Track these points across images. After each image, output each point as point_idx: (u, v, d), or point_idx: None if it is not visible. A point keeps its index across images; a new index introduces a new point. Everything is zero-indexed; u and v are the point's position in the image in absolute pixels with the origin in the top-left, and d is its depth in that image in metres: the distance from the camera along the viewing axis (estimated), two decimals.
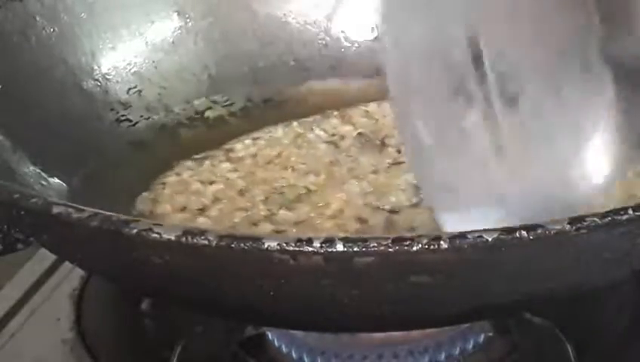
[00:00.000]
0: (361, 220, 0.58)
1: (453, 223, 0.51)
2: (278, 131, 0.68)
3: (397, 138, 0.66)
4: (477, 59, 0.50)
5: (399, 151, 0.64)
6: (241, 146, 0.67)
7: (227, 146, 0.67)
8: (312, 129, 0.68)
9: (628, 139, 0.52)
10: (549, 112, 0.51)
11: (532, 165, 0.51)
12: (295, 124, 0.69)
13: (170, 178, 0.64)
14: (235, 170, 0.64)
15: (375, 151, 0.65)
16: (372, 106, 0.70)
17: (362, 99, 0.72)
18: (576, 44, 0.51)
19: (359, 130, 0.67)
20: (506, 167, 0.51)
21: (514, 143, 0.51)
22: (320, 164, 0.64)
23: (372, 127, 0.68)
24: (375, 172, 0.62)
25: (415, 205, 0.59)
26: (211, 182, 0.62)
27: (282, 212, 0.58)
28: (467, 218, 0.50)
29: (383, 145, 0.65)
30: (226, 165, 0.64)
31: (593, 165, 0.53)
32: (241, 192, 0.61)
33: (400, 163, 0.63)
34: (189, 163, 0.65)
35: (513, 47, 0.50)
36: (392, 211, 0.59)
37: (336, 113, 0.70)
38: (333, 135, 0.67)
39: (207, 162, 0.65)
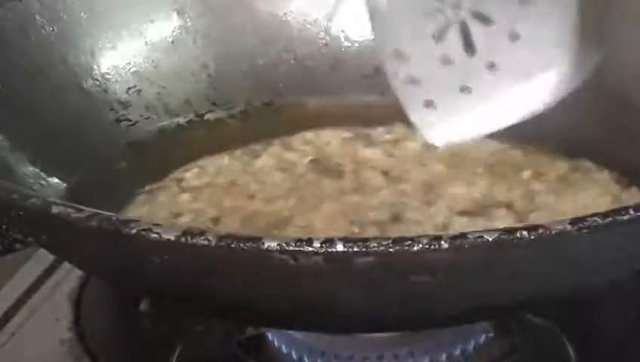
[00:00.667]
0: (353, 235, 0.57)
1: (420, 116, 0.56)
2: (224, 159, 0.66)
3: (349, 163, 0.65)
4: None
5: (357, 177, 0.64)
6: (191, 175, 0.65)
7: (175, 176, 0.65)
8: (256, 157, 0.67)
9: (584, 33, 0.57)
10: (514, 19, 0.56)
11: (498, 63, 0.56)
12: (238, 152, 0.67)
13: (134, 211, 0.61)
14: (196, 200, 0.62)
15: (333, 177, 0.64)
16: (309, 135, 0.69)
17: (362, 103, 0.72)
18: None
19: (311, 157, 0.66)
20: (473, 64, 0.56)
21: (482, 46, 0.56)
22: (282, 191, 0.62)
23: (318, 153, 0.67)
24: (343, 194, 0.61)
25: (398, 218, 0.58)
26: (177, 215, 0.60)
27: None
28: (436, 112, 0.56)
29: (338, 171, 0.64)
30: (185, 196, 0.62)
31: (556, 60, 0.57)
32: (215, 221, 0.59)
33: (364, 185, 0.62)
34: (143, 196, 0.62)
35: None
36: (380, 225, 0.58)
37: (276, 141, 0.68)
38: (280, 162, 0.66)
39: (162, 193, 0.62)
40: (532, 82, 0.57)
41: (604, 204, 0.59)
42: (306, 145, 0.68)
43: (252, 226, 0.58)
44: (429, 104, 0.56)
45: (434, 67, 0.56)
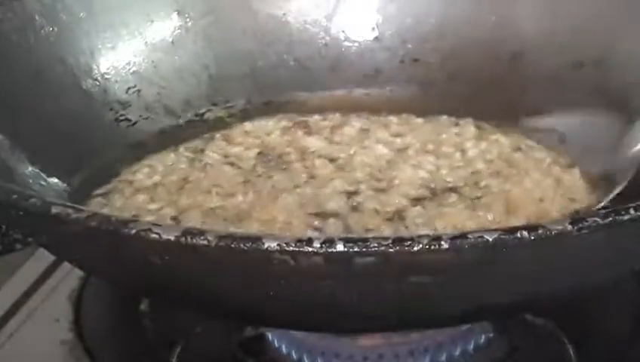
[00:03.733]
0: (315, 228, 0.57)
1: None
2: (170, 156, 0.66)
3: (294, 153, 0.65)
4: None
5: (306, 166, 0.63)
6: (142, 176, 0.64)
7: (125, 178, 0.63)
8: (201, 152, 0.66)
9: None
10: None
11: None
12: (182, 148, 0.67)
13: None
14: (153, 201, 0.61)
15: (281, 169, 0.63)
16: (249, 126, 0.69)
17: (362, 103, 0.72)
18: None
19: (256, 150, 0.66)
20: None
21: None
22: (236, 185, 0.61)
23: (261, 146, 0.66)
24: (298, 186, 0.61)
25: (356, 208, 0.58)
26: (137, 217, 0.58)
27: (232, 230, 0.56)
28: None
29: (284, 162, 0.64)
30: (142, 196, 0.61)
31: None
32: (176, 220, 0.58)
33: (315, 177, 0.62)
34: (98, 199, 0.61)
35: None
36: (339, 216, 0.58)
37: (218, 135, 0.68)
38: (227, 156, 0.65)
39: (116, 196, 0.62)
40: None
41: (549, 186, 0.60)
42: (247, 136, 0.68)
43: (212, 223, 0.57)
44: None
45: None
